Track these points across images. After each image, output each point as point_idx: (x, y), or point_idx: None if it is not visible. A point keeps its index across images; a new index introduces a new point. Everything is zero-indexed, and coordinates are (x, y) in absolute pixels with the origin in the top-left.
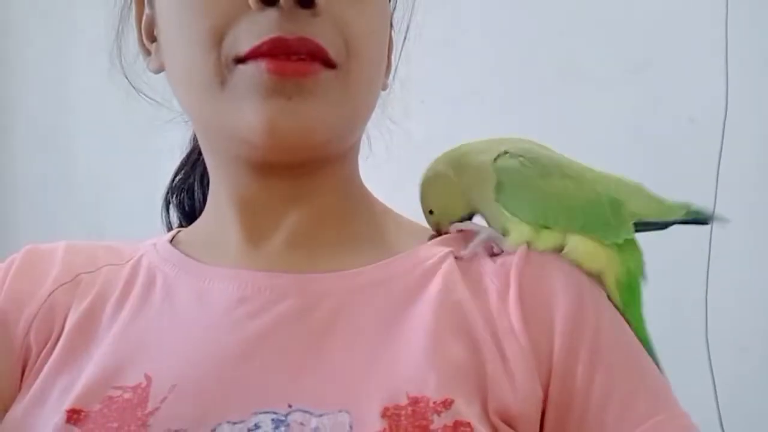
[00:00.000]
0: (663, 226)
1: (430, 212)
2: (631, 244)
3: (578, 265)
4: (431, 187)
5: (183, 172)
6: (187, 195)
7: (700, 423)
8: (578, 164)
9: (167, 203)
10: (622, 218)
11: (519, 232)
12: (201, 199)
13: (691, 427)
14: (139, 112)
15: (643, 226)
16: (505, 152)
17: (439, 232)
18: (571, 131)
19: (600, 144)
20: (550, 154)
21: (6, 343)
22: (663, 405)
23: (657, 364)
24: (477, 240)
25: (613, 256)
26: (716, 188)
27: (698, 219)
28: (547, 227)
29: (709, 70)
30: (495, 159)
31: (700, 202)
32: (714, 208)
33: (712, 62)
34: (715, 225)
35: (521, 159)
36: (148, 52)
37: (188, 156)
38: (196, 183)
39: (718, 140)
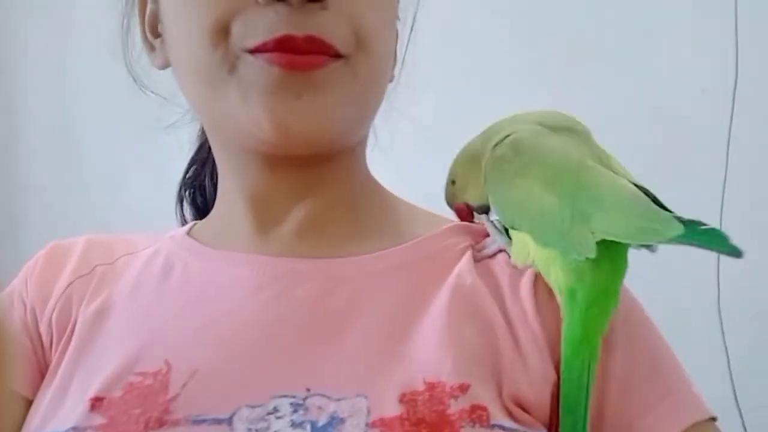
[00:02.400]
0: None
1: (453, 182)
2: (607, 262)
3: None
4: (461, 157)
5: (194, 167)
6: (200, 191)
7: (714, 394)
8: (572, 161)
9: (180, 198)
10: (582, 233)
11: (521, 246)
12: (212, 194)
13: (703, 407)
14: (146, 109)
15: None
16: (506, 137)
17: (460, 213)
18: (580, 108)
19: (609, 119)
20: (547, 145)
21: (38, 338)
22: (676, 387)
23: None
24: (491, 248)
25: (564, 277)
26: (726, 160)
27: (704, 244)
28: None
29: (719, 41)
30: (494, 146)
31: (711, 174)
32: (725, 176)
33: (722, 33)
34: (726, 197)
35: (507, 151)
36: (152, 48)
37: (198, 151)
38: (206, 179)
39: (729, 111)
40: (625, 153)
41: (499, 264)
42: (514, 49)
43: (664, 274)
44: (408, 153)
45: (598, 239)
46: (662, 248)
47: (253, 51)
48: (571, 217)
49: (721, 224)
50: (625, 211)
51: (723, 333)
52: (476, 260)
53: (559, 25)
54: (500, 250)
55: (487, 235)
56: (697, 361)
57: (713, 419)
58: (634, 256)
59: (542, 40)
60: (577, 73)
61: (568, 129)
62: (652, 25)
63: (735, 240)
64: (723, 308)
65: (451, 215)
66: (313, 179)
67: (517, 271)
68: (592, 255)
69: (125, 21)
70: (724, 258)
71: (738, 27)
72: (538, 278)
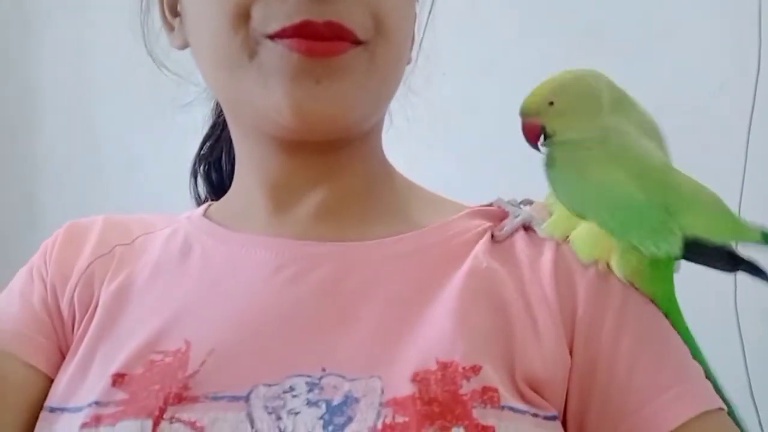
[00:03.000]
0: (727, 255)
1: (551, 103)
2: (672, 263)
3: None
4: (575, 86)
5: (209, 143)
6: (215, 167)
7: (730, 389)
8: (657, 160)
9: (195, 174)
10: (668, 228)
11: (557, 220)
12: (228, 171)
13: (712, 396)
14: (164, 91)
15: (701, 252)
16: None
17: (530, 130)
18: None
19: None
20: (636, 141)
21: (58, 315)
22: (686, 374)
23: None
24: (514, 222)
25: (650, 272)
26: (746, 156)
27: None
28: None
29: (741, 34)
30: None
31: (729, 169)
32: (744, 171)
33: (745, 26)
34: (745, 192)
35: (604, 139)
36: (171, 28)
37: (213, 128)
38: (224, 155)
39: (749, 107)
40: None
41: (518, 245)
42: (527, 39)
43: (682, 270)
44: (422, 140)
45: (689, 237)
46: None
47: (273, 36)
48: (662, 212)
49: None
50: (713, 211)
51: (739, 329)
52: (497, 241)
53: (573, 15)
54: (520, 229)
55: (504, 218)
56: (712, 355)
57: (722, 410)
58: None
59: (555, 30)
60: (591, 65)
61: (655, 131)
62: (670, 17)
63: None
64: (740, 304)
65: (469, 201)
66: (330, 164)
67: (537, 251)
68: (677, 253)
69: (144, 0)
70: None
71: (761, 18)
72: (558, 258)
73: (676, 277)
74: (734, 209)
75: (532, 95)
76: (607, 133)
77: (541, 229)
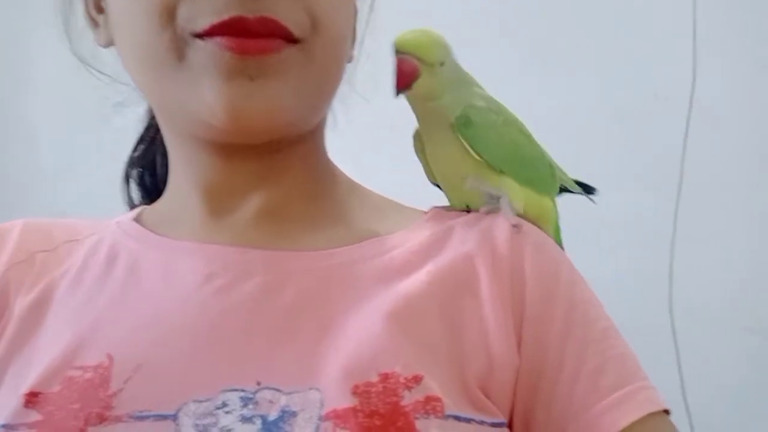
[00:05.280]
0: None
1: (441, 64)
2: (553, 201)
3: (524, 212)
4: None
5: (143, 146)
6: (149, 171)
7: (663, 390)
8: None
9: (127, 178)
10: (554, 179)
11: (515, 193)
12: (163, 175)
13: (656, 399)
14: (103, 92)
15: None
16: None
17: (406, 67)
18: (541, 110)
19: (569, 122)
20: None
21: None
22: (631, 378)
23: None
24: (496, 205)
25: (551, 206)
26: (682, 163)
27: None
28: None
29: (678, 47)
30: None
31: (668, 177)
32: (681, 182)
33: (680, 40)
34: (682, 199)
35: (489, 105)
36: (96, 24)
37: (147, 129)
38: (158, 157)
39: (685, 116)
40: (585, 154)
41: (471, 245)
42: (474, 47)
43: (617, 273)
44: (370, 147)
45: (559, 182)
46: (618, 253)
47: (203, 35)
48: (549, 165)
49: (675, 227)
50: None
51: (674, 330)
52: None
53: (522, 29)
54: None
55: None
56: (647, 356)
57: (666, 412)
58: (591, 259)
59: (504, 41)
60: (537, 76)
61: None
62: (609, 31)
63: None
64: (674, 306)
65: (425, 206)
66: (269, 167)
67: (489, 247)
68: (555, 195)
69: None
70: (677, 260)
71: (696, 33)
72: (513, 255)
73: (614, 281)
74: (671, 213)
75: (437, 45)
76: (498, 104)
77: (513, 209)
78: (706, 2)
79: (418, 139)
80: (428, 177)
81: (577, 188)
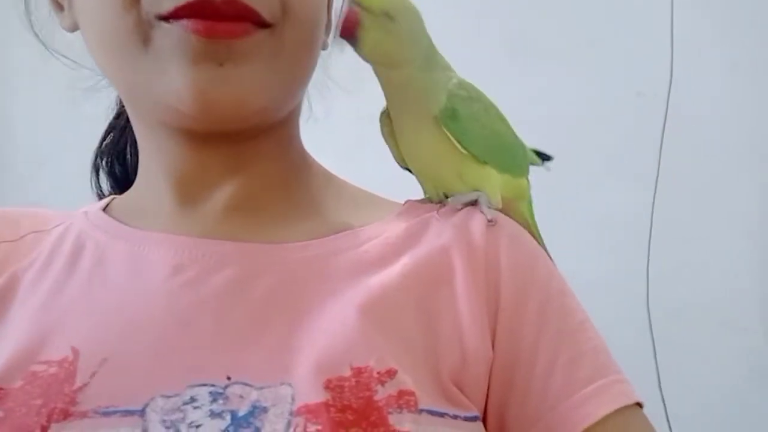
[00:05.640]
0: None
1: (392, 17)
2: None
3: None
4: (416, 19)
5: (112, 135)
6: (118, 160)
7: (641, 385)
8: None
9: (96, 168)
10: (527, 161)
11: (494, 186)
12: (134, 164)
13: (630, 392)
14: (77, 81)
15: None
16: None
17: (351, 17)
18: (520, 105)
19: (549, 117)
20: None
21: None
22: (605, 371)
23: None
24: (467, 197)
25: (525, 184)
26: (659, 160)
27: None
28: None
29: (655, 46)
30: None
31: (644, 173)
32: (657, 177)
33: (658, 39)
34: (658, 198)
35: (470, 93)
36: (60, 7)
37: (116, 117)
38: (128, 147)
39: (663, 113)
40: (564, 150)
41: (446, 234)
42: (456, 44)
43: (596, 271)
44: (350, 138)
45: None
46: (599, 253)
47: (168, 17)
48: (524, 150)
49: (651, 222)
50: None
51: (651, 327)
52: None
53: (500, 24)
54: (452, 215)
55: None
56: (625, 352)
57: (640, 405)
58: (569, 255)
59: (484, 37)
60: (516, 72)
61: None
62: (590, 30)
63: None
64: (651, 304)
65: (401, 199)
66: (241, 156)
67: (465, 240)
68: (527, 176)
69: None
70: (653, 257)
71: (674, 32)
72: (488, 246)
73: (594, 281)
74: (647, 211)
75: None
76: (475, 89)
77: (491, 205)
78: (683, 5)
79: (386, 122)
80: (396, 160)
81: (539, 161)
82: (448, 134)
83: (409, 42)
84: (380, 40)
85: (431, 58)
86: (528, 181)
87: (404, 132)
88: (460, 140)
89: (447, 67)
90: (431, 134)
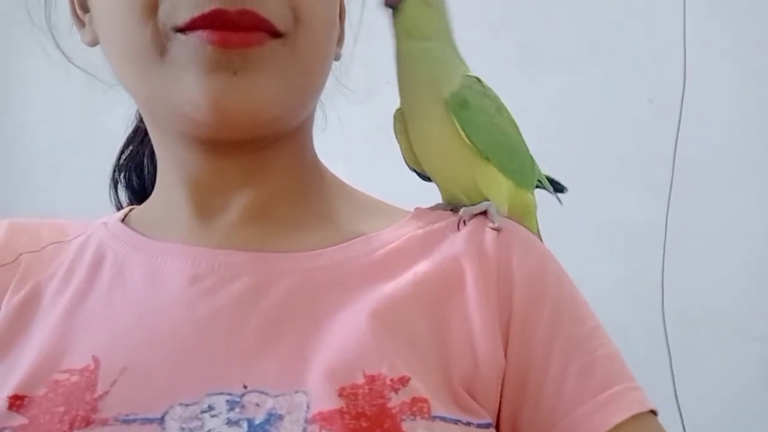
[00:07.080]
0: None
1: (428, 3)
2: (532, 194)
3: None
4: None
5: (130, 148)
6: (136, 173)
7: (657, 394)
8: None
9: (115, 182)
10: (534, 173)
11: (500, 190)
12: (151, 176)
13: (643, 399)
14: (93, 91)
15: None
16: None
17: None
18: (532, 113)
19: (562, 125)
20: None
21: None
22: (618, 378)
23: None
24: (477, 207)
25: (532, 199)
26: (673, 167)
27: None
28: (487, 160)
29: (668, 53)
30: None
31: (658, 181)
32: (671, 184)
33: (671, 45)
34: (672, 205)
35: (485, 90)
36: (82, 24)
37: (135, 132)
38: (146, 159)
39: (676, 120)
40: (578, 157)
41: (458, 245)
42: (467, 53)
43: (611, 279)
44: (364, 149)
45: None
46: (611, 255)
47: (184, 29)
48: (532, 159)
49: (666, 230)
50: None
51: (666, 335)
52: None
53: (513, 31)
54: (462, 225)
55: (446, 218)
56: (640, 360)
57: (654, 412)
58: (583, 262)
59: (496, 47)
60: (528, 79)
61: None
62: (604, 37)
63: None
64: (666, 312)
65: (411, 207)
66: (256, 165)
67: (477, 249)
68: (534, 188)
69: None
70: (668, 264)
71: (686, 38)
72: (499, 253)
73: (609, 289)
74: (661, 219)
75: None
76: (491, 90)
77: (498, 214)
78: (696, 11)
79: (399, 119)
80: (405, 160)
81: (549, 186)
82: (455, 121)
83: (444, 19)
84: (421, 11)
85: (453, 43)
86: (534, 197)
87: (415, 120)
88: (464, 128)
89: (464, 63)
90: (441, 125)
